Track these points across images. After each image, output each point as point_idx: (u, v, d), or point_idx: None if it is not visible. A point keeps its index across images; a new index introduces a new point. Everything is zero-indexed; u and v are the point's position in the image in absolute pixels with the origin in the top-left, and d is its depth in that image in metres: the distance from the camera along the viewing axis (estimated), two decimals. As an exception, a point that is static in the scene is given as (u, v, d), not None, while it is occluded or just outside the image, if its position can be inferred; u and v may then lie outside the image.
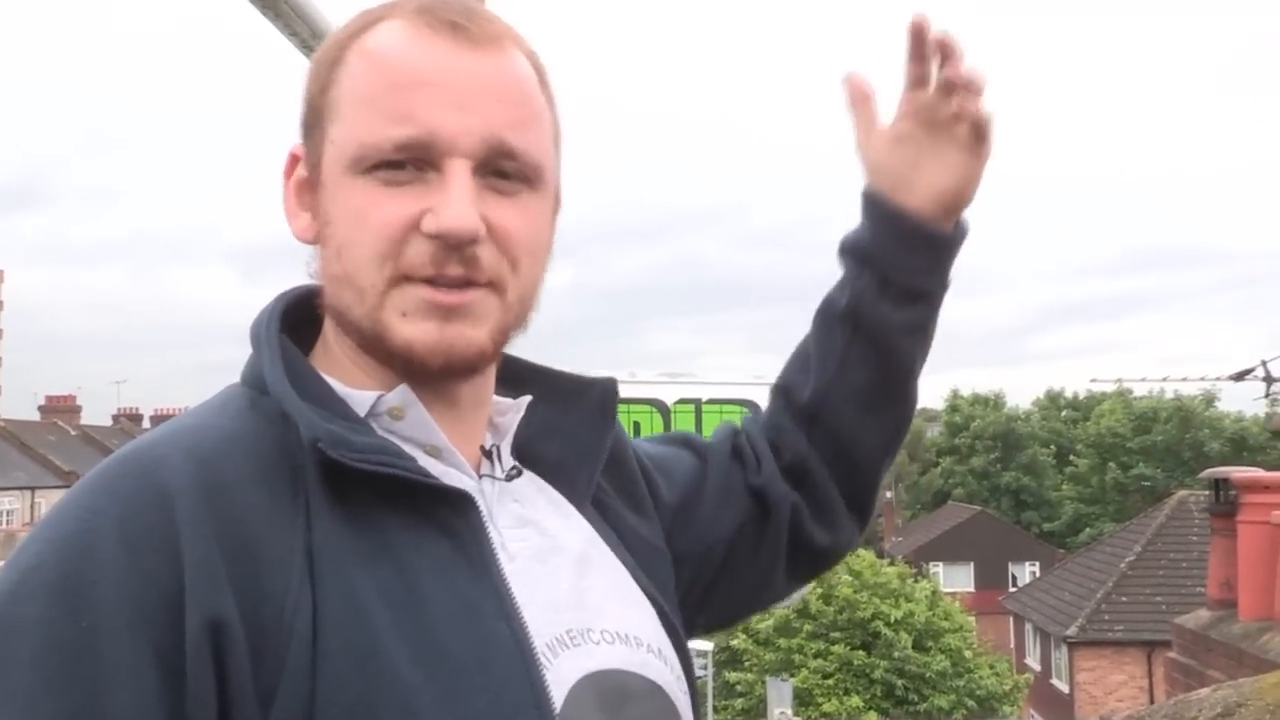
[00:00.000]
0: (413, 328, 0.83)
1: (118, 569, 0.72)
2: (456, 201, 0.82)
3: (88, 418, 47.79)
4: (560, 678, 0.82)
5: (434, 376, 0.86)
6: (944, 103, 1.10)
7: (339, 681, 0.73)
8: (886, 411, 1.17)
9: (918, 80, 1.10)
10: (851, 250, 1.14)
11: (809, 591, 16.16)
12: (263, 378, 0.84)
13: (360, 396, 0.85)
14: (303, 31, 1.66)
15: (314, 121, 0.87)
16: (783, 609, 15.59)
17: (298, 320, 0.91)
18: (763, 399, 2.89)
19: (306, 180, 0.88)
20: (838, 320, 1.14)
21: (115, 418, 50.32)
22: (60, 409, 46.23)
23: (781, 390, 1.19)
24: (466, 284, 0.84)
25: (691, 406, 2.81)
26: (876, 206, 1.12)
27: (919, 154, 1.12)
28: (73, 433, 45.00)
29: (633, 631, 0.91)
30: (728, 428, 1.22)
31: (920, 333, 1.16)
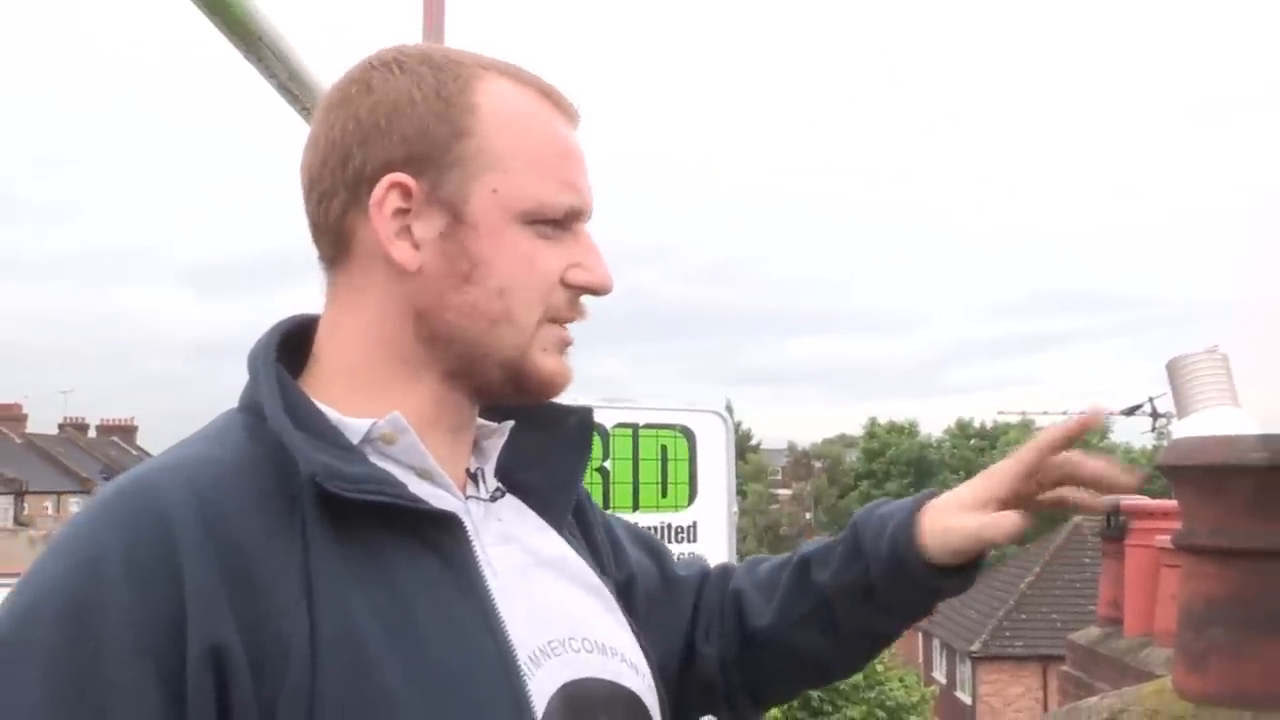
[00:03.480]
0: (551, 361, 0.92)
1: (123, 596, 0.73)
2: (603, 262, 0.93)
3: (34, 426, 46.27)
4: (541, 688, 0.84)
5: (537, 400, 0.94)
6: (1047, 486, 1.06)
7: (336, 699, 0.75)
8: (814, 679, 1.19)
9: (1035, 466, 1.05)
10: (867, 553, 1.07)
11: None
12: (260, 405, 0.85)
13: (354, 424, 0.87)
14: (280, 73, 1.66)
15: (446, 161, 0.88)
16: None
17: (288, 346, 0.92)
18: (696, 426, 2.97)
19: (405, 211, 0.87)
20: (814, 586, 1.09)
21: (61, 426, 48.79)
22: (6, 417, 44.72)
23: (738, 597, 1.14)
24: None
25: (629, 431, 2.85)
26: (906, 541, 1.04)
27: (980, 503, 1.06)
28: (18, 440, 43.56)
29: (608, 642, 0.94)
30: (698, 572, 1.19)
31: (882, 641, 1.13)
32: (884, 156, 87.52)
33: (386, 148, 0.87)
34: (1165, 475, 1.43)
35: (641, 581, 1.12)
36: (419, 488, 0.87)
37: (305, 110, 1.80)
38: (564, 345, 0.93)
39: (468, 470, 0.95)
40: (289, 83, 1.68)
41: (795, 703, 16.89)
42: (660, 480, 2.87)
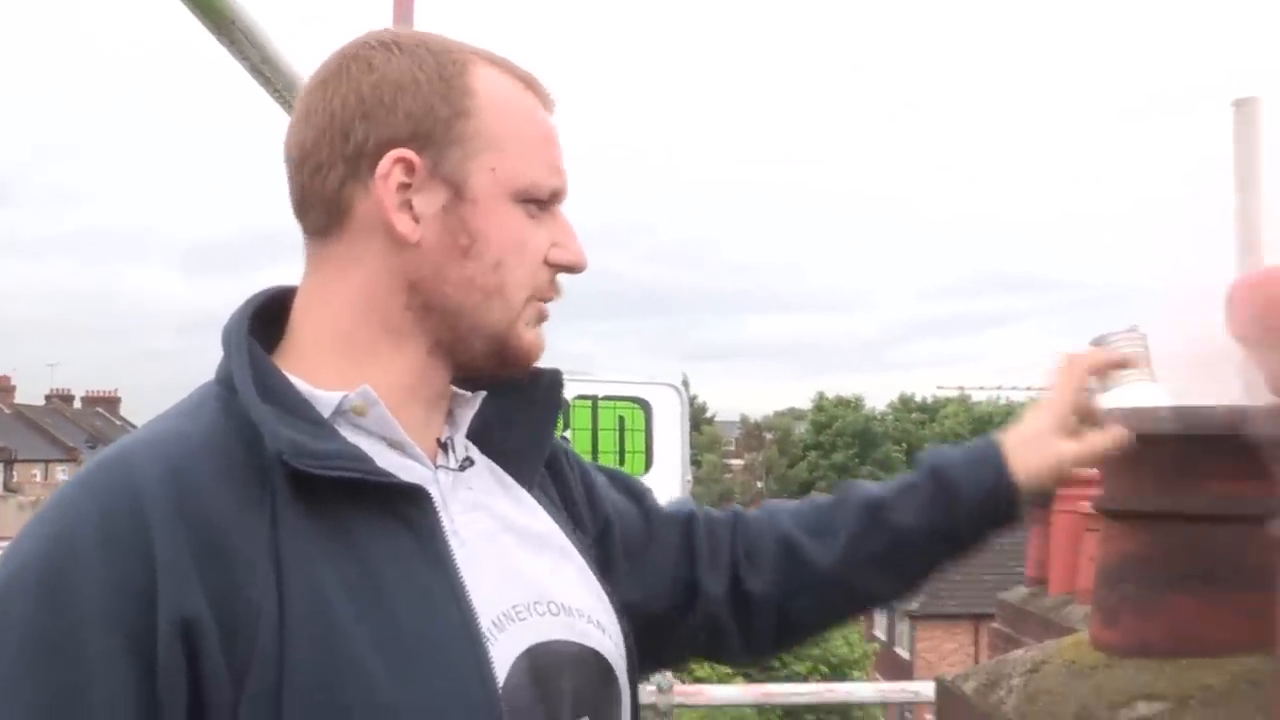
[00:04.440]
0: (532, 334, 0.93)
1: (96, 569, 0.72)
2: (578, 241, 0.94)
3: (21, 397, 45.58)
4: (505, 653, 0.83)
5: (514, 372, 0.94)
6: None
7: (305, 667, 0.74)
8: (861, 612, 1.22)
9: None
10: (949, 488, 1.10)
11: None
12: (233, 379, 0.84)
13: (325, 397, 0.85)
14: (254, 57, 1.63)
15: (448, 139, 0.87)
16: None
17: (262, 318, 0.90)
18: (652, 398, 2.97)
19: (408, 185, 0.87)
20: (890, 531, 1.10)
21: (48, 398, 48.12)
22: (-5, 388, 44.04)
23: (788, 542, 1.12)
24: None
25: (589, 403, 2.86)
26: (1005, 483, 1.09)
27: (1060, 431, 1.12)
28: (6, 410, 42.90)
29: (575, 603, 0.92)
30: (685, 509, 1.16)
31: (937, 571, 1.15)
32: (840, 146, 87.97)
33: (391, 124, 0.86)
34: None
35: (619, 526, 1.09)
36: (388, 458, 0.85)
37: (278, 93, 1.77)
38: (542, 320, 0.94)
39: (439, 439, 0.93)
40: (261, 66, 1.66)
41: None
42: (618, 449, 2.88)
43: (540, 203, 0.91)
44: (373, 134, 0.86)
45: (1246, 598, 1.16)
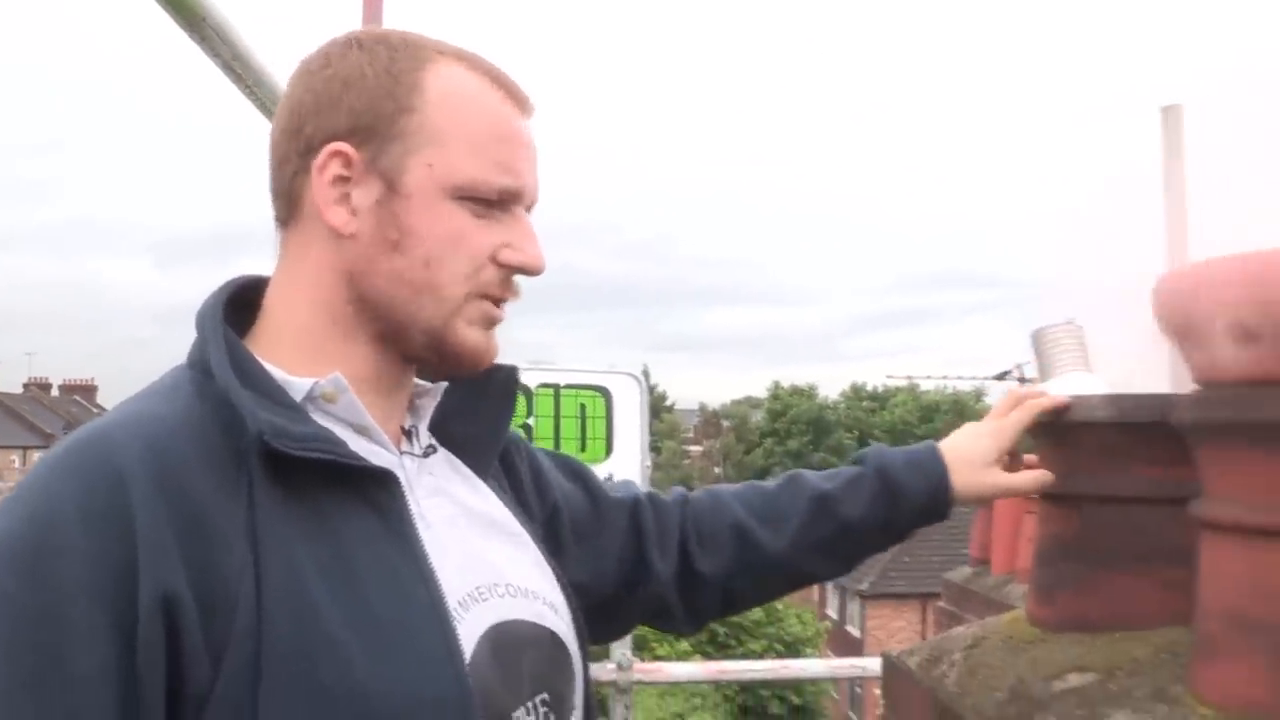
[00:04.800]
0: (474, 334, 0.90)
1: (78, 544, 0.71)
2: (535, 243, 0.91)
3: (0, 385, 44.87)
4: (470, 630, 0.84)
5: (459, 371, 0.92)
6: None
7: (282, 645, 0.74)
8: (797, 589, 1.26)
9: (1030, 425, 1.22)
10: (893, 489, 1.18)
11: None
12: (208, 363, 0.84)
13: (298, 383, 0.86)
14: (225, 53, 1.61)
15: (390, 134, 0.86)
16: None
17: (236, 304, 0.90)
18: (613, 386, 2.98)
19: (344, 179, 0.87)
20: (837, 522, 1.18)
21: (26, 386, 47.29)
22: (-29, 378, 43.10)
23: (740, 527, 1.17)
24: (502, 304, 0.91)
25: (551, 391, 2.86)
26: (944, 493, 1.19)
27: (996, 461, 1.22)
28: (-17, 398, 42.11)
29: (530, 586, 0.93)
30: (631, 493, 1.19)
31: (867, 557, 1.24)
32: (803, 147, 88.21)
33: (334, 118, 0.87)
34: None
35: (568, 510, 1.10)
36: (357, 444, 0.86)
37: (249, 90, 1.76)
38: (490, 321, 0.91)
39: (403, 427, 0.94)
40: (233, 63, 1.64)
41: (703, 637, 17.14)
42: (580, 435, 2.89)
43: (486, 201, 0.88)
44: (319, 129, 0.87)
45: (1170, 574, 1.19)
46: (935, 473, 1.19)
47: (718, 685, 15.67)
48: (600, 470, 2.95)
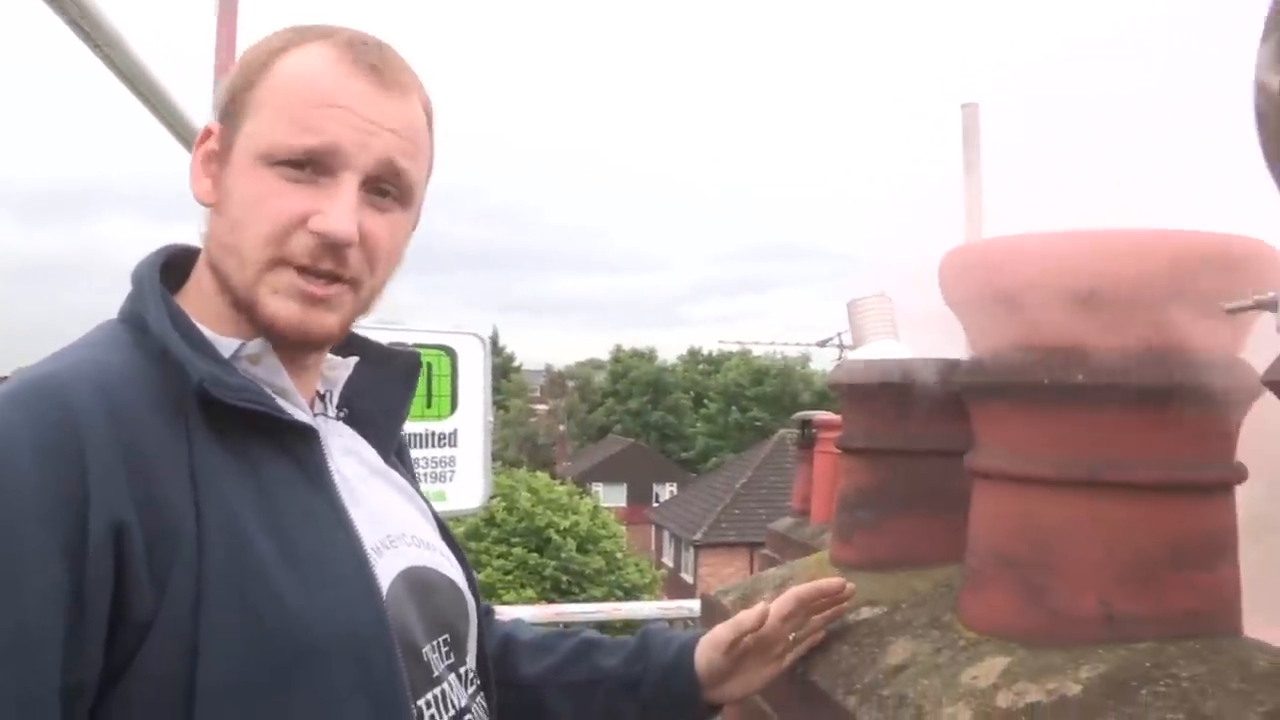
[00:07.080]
0: (280, 305, 0.85)
1: (31, 473, 0.72)
2: (342, 210, 0.84)
3: None
4: (384, 572, 0.88)
5: (288, 346, 0.89)
6: (783, 632, 1.20)
7: (219, 572, 0.76)
8: None
9: (764, 617, 1.17)
10: (651, 658, 1.17)
11: (495, 503, 16.34)
12: (143, 318, 0.85)
13: (225, 343, 0.87)
14: (71, 10, 1.51)
15: (234, 111, 0.88)
16: (472, 517, 15.60)
17: (169, 267, 0.91)
18: (458, 346, 2.96)
19: (214, 153, 0.89)
20: (589, 670, 1.17)
21: None
22: None
23: (509, 641, 1.19)
24: (333, 279, 0.86)
25: (399, 349, 2.83)
26: (693, 700, 1.16)
27: (742, 661, 1.18)
28: None
29: (427, 539, 0.98)
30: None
31: None
32: (660, 122, 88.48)
33: (219, 101, 0.91)
34: (833, 392, 1.58)
35: None
36: (277, 403, 0.88)
37: (97, 47, 1.66)
38: (303, 295, 0.85)
39: (318, 392, 0.96)
40: (80, 20, 1.56)
41: (549, 585, 17.31)
42: (426, 393, 2.88)
43: (297, 164, 0.84)
44: (215, 110, 0.92)
45: (952, 519, 1.30)
46: (685, 648, 1.18)
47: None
48: (444, 426, 2.95)
